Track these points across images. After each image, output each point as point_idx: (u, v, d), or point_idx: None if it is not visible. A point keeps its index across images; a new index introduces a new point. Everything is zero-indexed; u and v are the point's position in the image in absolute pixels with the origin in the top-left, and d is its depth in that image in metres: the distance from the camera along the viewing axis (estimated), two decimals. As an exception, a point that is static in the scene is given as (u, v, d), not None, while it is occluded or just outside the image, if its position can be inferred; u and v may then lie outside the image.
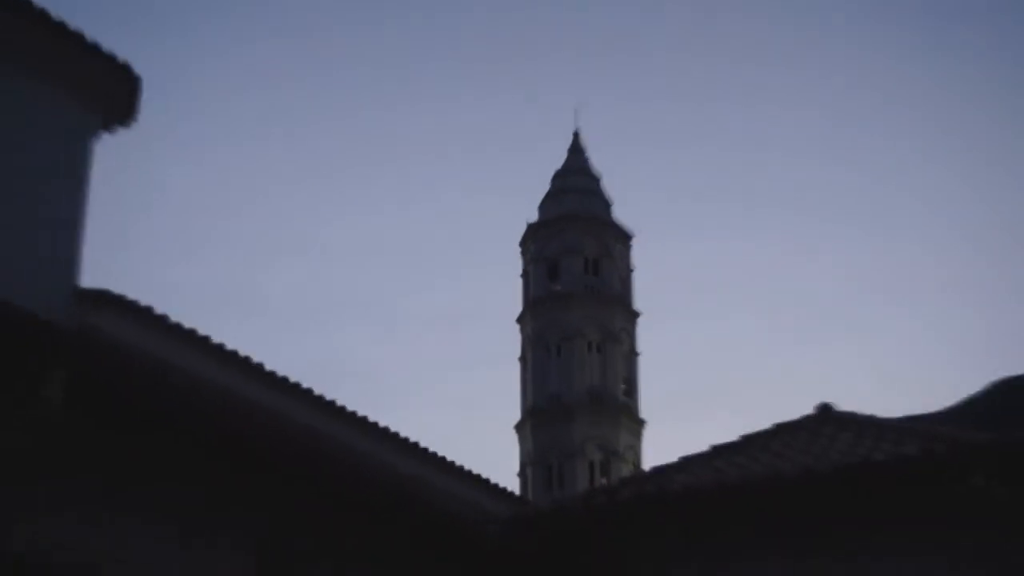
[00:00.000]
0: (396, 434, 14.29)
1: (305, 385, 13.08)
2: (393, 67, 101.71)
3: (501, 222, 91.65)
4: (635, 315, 52.93)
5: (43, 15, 9.77)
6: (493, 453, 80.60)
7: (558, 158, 56.67)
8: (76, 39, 10.02)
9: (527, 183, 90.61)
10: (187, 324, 11.63)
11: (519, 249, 54.84)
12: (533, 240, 53.70)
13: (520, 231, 54.74)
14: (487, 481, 15.81)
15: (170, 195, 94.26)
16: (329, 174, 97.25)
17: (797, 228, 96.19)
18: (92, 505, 7.97)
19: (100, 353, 8.01)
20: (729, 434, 13.51)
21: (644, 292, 58.18)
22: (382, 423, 14.14)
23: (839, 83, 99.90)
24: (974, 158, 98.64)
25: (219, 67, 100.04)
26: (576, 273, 52.13)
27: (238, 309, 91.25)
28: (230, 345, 12.19)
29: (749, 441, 12.38)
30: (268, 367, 12.67)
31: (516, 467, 50.10)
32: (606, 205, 54.84)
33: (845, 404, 12.66)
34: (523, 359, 51.93)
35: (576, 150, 56.36)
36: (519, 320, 52.94)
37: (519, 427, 50.68)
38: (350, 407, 13.63)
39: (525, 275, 53.97)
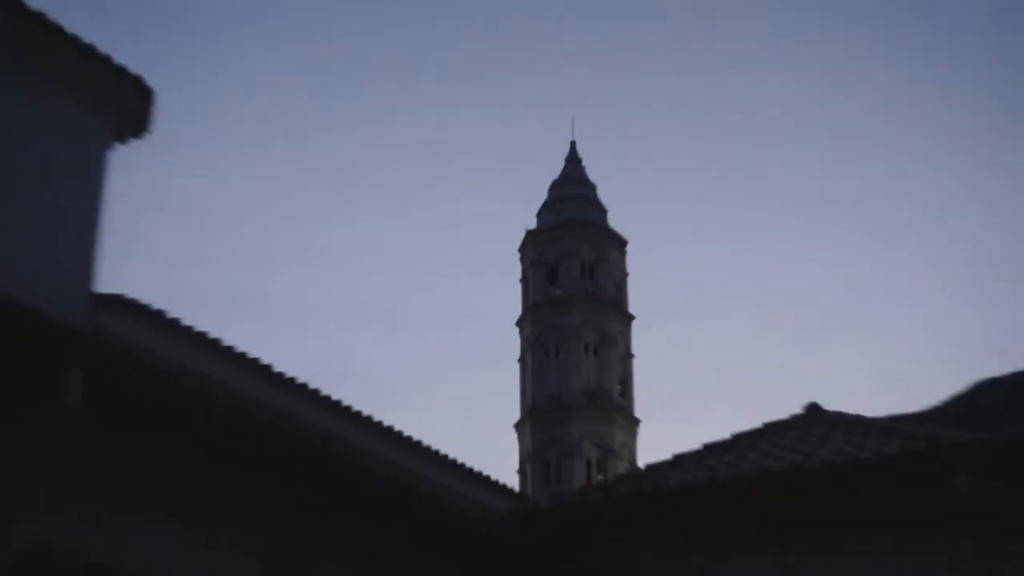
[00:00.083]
0: (400, 432, 14.26)
1: (312, 386, 13.08)
2: (394, 75, 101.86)
3: (500, 226, 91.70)
4: (630, 318, 53.13)
5: (60, 29, 9.78)
6: (493, 451, 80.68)
7: (556, 161, 57.17)
8: (100, 57, 10.05)
9: (525, 186, 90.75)
10: (197, 327, 11.65)
11: (518, 255, 55.08)
12: (532, 246, 53.96)
13: (518, 235, 55.27)
14: (487, 478, 15.76)
15: (172, 200, 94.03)
16: (331, 179, 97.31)
17: (791, 231, 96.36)
18: (97, 504, 7.90)
19: (115, 355, 7.98)
20: (719, 433, 13.50)
21: (638, 296, 58.38)
22: (384, 422, 14.12)
23: (836, 86, 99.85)
24: (971, 160, 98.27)
25: (222, 74, 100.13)
26: (573, 278, 52.34)
27: (240, 311, 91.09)
28: (235, 347, 12.19)
29: (739, 439, 12.37)
30: (275, 368, 12.69)
31: (515, 464, 50.32)
32: (602, 212, 55.08)
33: (841, 405, 12.70)
34: (523, 360, 52.18)
35: (573, 159, 56.74)
36: (519, 323, 53.20)
37: (519, 426, 50.85)
38: (353, 407, 13.62)
39: (524, 280, 54.18)
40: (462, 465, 15.20)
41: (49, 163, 9.74)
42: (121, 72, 10.23)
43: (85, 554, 7.72)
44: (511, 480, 40.68)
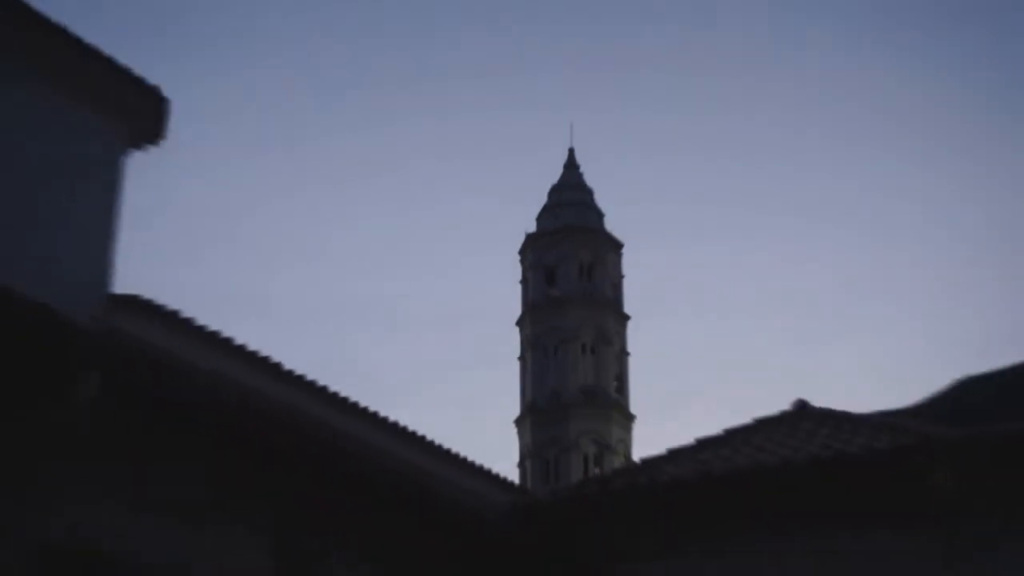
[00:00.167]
0: (404, 428, 14.23)
1: (320, 383, 13.04)
2: (395, 77, 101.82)
3: (500, 227, 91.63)
4: (625, 318, 53.30)
5: (78, 41, 9.80)
6: (493, 448, 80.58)
7: (555, 162, 57.63)
8: (119, 68, 10.07)
9: (524, 187, 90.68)
10: (209, 327, 11.62)
11: (518, 257, 55.20)
12: (532, 249, 54.16)
13: (518, 235, 55.63)
14: (489, 471, 15.73)
15: (172, 200, 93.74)
16: (331, 179, 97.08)
17: (789, 232, 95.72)
18: (112, 500, 7.89)
19: (129, 354, 7.96)
20: (713, 429, 13.44)
21: (633, 297, 58.47)
22: (400, 423, 14.07)
23: (835, 87, 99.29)
24: (971, 161, 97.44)
25: (223, 75, 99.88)
26: (572, 280, 52.50)
27: (241, 311, 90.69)
28: (246, 345, 12.15)
29: (732, 434, 12.32)
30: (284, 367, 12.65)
31: (515, 460, 50.39)
32: (599, 217, 55.34)
33: (840, 405, 12.48)
34: (522, 359, 52.30)
35: (571, 165, 57.03)
36: (518, 323, 53.35)
37: (518, 422, 50.95)
38: (367, 407, 13.57)
39: (524, 281, 54.31)
40: (465, 459, 15.16)
41: (65, 167, 9.76)
42: (139, 82, 10.30)
43: (98, 551, 7.70)
44: (511, 476, 40.63)
